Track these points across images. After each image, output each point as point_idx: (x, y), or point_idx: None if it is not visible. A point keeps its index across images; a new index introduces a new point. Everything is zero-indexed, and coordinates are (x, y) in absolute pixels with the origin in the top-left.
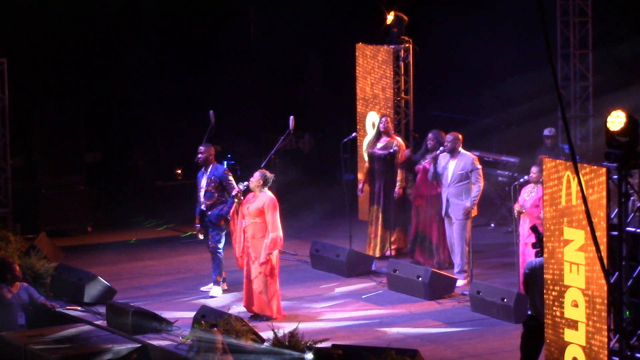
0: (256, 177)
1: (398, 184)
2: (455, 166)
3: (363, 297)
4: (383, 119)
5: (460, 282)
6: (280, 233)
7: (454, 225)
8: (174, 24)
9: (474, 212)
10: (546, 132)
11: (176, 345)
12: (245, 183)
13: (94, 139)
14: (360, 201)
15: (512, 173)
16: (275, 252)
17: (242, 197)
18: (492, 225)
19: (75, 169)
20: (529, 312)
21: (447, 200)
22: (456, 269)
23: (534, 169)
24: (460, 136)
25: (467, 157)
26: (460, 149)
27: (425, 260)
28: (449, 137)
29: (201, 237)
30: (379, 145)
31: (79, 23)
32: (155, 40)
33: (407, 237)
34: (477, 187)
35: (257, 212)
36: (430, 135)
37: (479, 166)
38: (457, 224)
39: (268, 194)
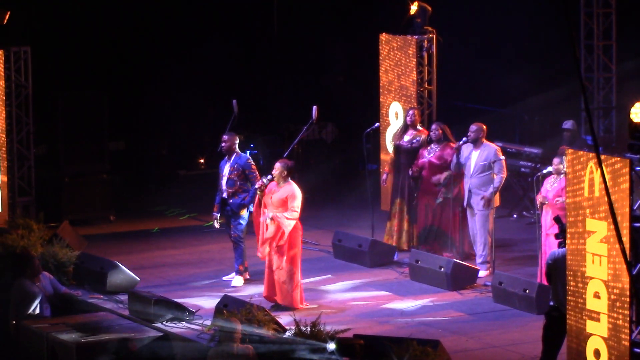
0: (278, 168)
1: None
2: (478, 157)
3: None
4: (410, 112)
5: (482, 273)
6: (293, 222)
7: (476, 216)
8: (197, 12)
9: (496, 203)
10: (567, 125)
11: (198, 334)
12: (269, 177)
13: (117, 127)
14: (383, 192)
15: (535, 164)
16: (298, 243)
17: (264, 189)
18: (515, 216)
19: (98, 158)
20: (551, 303)
21: (469, 191)
22: (478, 260)
23: (555, 160)
24: (484, 127)
25: (491, 148)
26: (484, 139)
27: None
28: (472, 127)
29: (217, 225)
30: (406, 138)
31: (102, 11)
32: (179, 29)
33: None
34: (500, 177)
35: (281, 203)
36: (433, 126)
37: (502, 157)
38: (479, 215)
39: (292, 185)
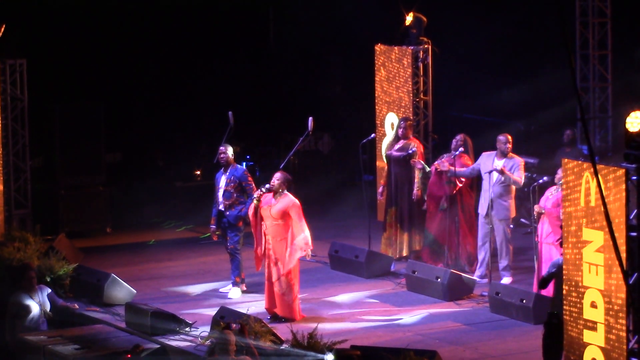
0: (280, 179)
1: (416, 185)
2: (502, 166)
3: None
4: (402, 123)
5: (506, 280)
6: (308, 232)
7: (497, 225)
8: (194, 24)
9: (513, 213)
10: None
11: (195, 346)
12: (267, 186)
13: (113, 139)
14: (379, 202)
15: (532, 174)
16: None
17: (261, 199)
18: (511, 226)
19: (95, 170)
20: (549, 311)
21: (491, 200)
22: (501, 267)
23: (559, 171)
24: (510, 138)
25: (516, 160)
26: (511, 152)
27: (433, 262)
28: (502, 138)
29: (215, 238)
30: (397, 147)
31: (98, 23)
32: (175, 40)
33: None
34: (518, 178)
35: (281, 214)
36: (458, 136)
37: (522, 167)
38: (500, 224)
39: (290, 196)
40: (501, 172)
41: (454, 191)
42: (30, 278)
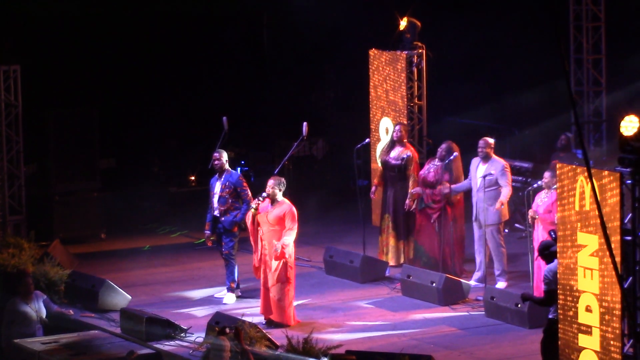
0: (274, 185)
1: (409, 195)
2: (484, 171)
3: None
4: (397, 128)
5: (501, 285)
6: (293, 239)
7: (486, 230)
8: (188, 30)
9: (505, 217)
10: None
11: (190, 352)
12: (264, 194)
13: (108, 145)
14: (374, 207)
15: (526, 178)
16: (292, 259)
17: (258, 207)
18: (506, 230)
19: (89, 176)
20: (550, 316)
21: (476, 205)
22: (496, 273)
23: (546, 174)
24: (490, 141)
25: (498, 163)
26: (492, 154)
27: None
28: (481, 142)
29: (209, 244)
30: (392, 154)
31: (92, 29)
32: (169, 46)
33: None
34: (507, 189)
35: (278, 220)
36: (443, 145)
37: (508, 171)
38: (490, 229)
39: (287, 202)
40: (500, 204)
41: (438, 206)
42: (27, 284)
